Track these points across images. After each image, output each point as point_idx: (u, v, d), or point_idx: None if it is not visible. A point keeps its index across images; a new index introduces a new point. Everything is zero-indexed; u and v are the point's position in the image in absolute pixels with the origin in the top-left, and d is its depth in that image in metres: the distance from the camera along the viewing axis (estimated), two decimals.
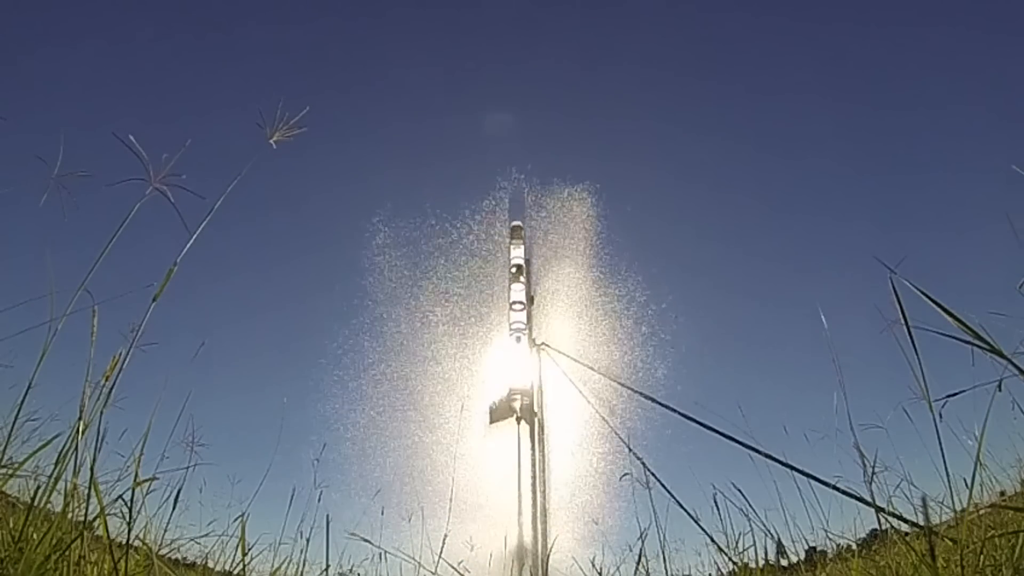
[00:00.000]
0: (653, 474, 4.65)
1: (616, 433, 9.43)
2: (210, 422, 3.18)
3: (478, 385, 10.41)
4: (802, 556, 4.25)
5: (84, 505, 2.07)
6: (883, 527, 3.13)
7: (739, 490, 3.88)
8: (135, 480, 2.22)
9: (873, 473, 2.86)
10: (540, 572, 8.07)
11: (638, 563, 3.91)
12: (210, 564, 3.59)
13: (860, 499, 3.41)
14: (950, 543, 2.31)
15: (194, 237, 2.25)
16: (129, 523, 2.23)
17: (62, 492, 2.11)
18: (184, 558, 3.57)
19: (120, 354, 2.19)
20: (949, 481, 2.30)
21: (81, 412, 2.09)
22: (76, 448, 2.07)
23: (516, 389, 9.68)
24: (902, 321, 2.13)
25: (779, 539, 3.84)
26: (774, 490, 4.01)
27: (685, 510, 4.86)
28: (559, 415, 10.43)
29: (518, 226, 10.89)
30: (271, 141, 2.41)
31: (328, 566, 3.53)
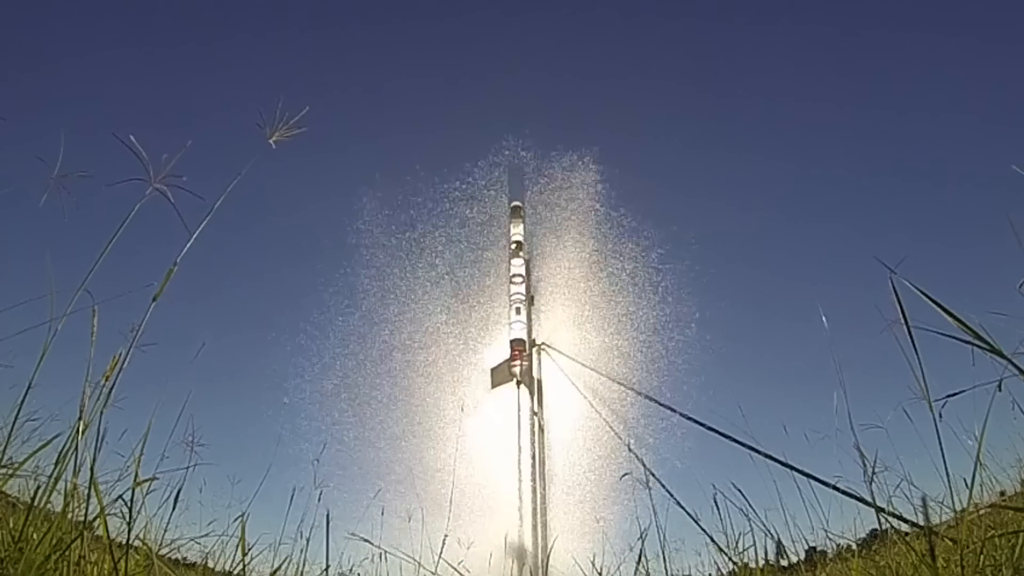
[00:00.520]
0: (653, 474, 4.65)
1: (616, 433, 9.43)
2: (210, 422, 3.18)
3: (477, 381, 10.48)
4: (802, 556, 4.25)
5: (84, 505, 2.07)
6: (883, 527, 3.13)
7: (739, 490, 3.88)
8: (135, 480, 2.22)
9: (873, 473, 2.86)
10: (540, 572, 8.07)
11: (638, 563, 3.91)
12: (210, 564, 3.59)
13: (860, 499, 3.42)
14: (950, 543, 2.31)
15: (194, 237, 2.26)
16: (129, 523, 2.23)
17: (62, 492, 2.12)
18: (184, 558, 3.57)
19: (120, 354, 2.19)
20: (949, 481, 2.30)
21: (81, 412, 2.09)
22: (76, 448, 2.07)
23: (516, 353, 9.96)
24: (902, 321, 2.13)
25: (779, 539, 3.84)
26: (774, 490, 4.02)
27: (685, 510, 4.86)
28: (559, 415, 10.43)
29: (518, 206, 11.11)
30: (270, 141, 2.42)
31: (328, 566, 3.53)
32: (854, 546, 3.86)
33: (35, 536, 2.08)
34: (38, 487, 2.12)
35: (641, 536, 4.01)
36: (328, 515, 3.60)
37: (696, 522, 4.52)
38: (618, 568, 4.66)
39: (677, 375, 10.86)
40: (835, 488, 3.74)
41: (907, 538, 2.78)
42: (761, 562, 3.66)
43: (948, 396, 2.14)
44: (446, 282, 10.89)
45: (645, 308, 11.16)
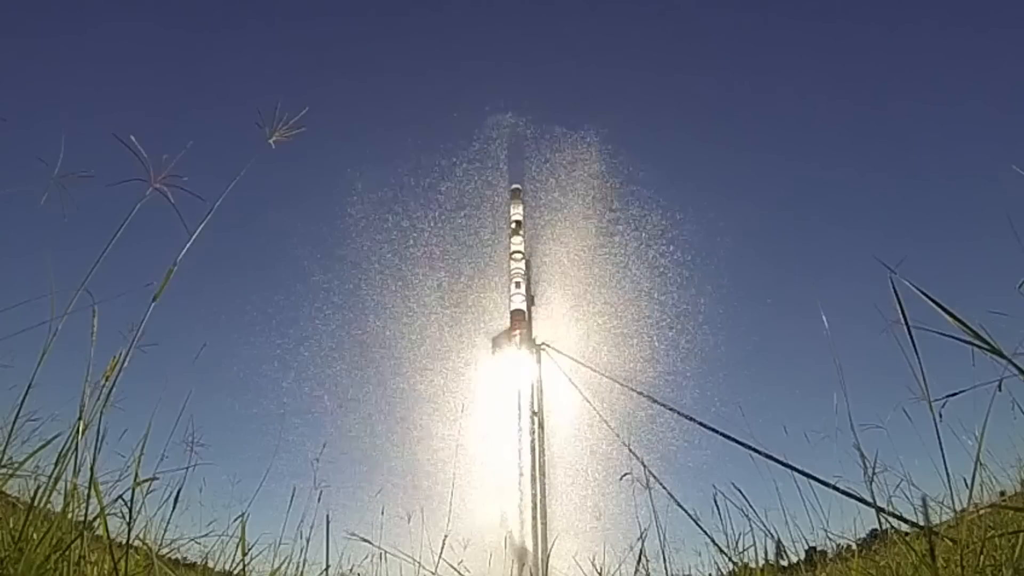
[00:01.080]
0: (653, 475, 4.65)
1: (616, 433, 9.43)
2: (210, 422, 3.18)
3: (477, 377, 10.56)
4: (802, 556, 4.25)
5: (84, 505, 2.07)
6: (883, 527, 3.13)
7: (739, 490, 3.88)
8: (135, 480, 2.22)
9: (873, 473, 2.86)
10: (540, 571, 8.07)
11: (638, 563, 3.91)
12: (210, 564, 3.59)
13: (860, 499, 3.42)
14: (950, 543, 2.30)
15: (193, 237, 2.26)
16: (129, 523, 2.23)
17: (62, 492, 2.11)
18: (184, 558, 3.57)
19: (120, 354, 2.19)
20: (949, 481, 2.30)
21: (81, 412, 2.09)
22: (76, 448, 2.07)
23: (516, 322, 10.59)
24: (902, 321, 2.13)
25: (779, 539, 3.84)
26: (774, 490, 4.02)
27: (684, 510, 4.86)
28: (560, 415, 10.43)
29: (517, 189, 11.64)
30: (270, 141, 2.42)
31: (328, 566, 3.53)
32: (854, 546, 3.86)
33: (35, 536, 2.08)
34: (38, 487, 2.12)
35: (641, 536, 4.01)
36: (328, 515, 3.60)
37: (696, 522, 4.52)
38: (618, 568, 4.66)
39: (677, 375, 10.86)
40: (835, 488, 3.74)
41: (907, 538, 2.78)
42: (761, 562, 3.66)
43: (948, 396, 2.14)
44: (443, 268, 11.16)
45: (644, 307, 11.17)
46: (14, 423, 2.12)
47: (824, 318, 2.93)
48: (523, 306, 10.78)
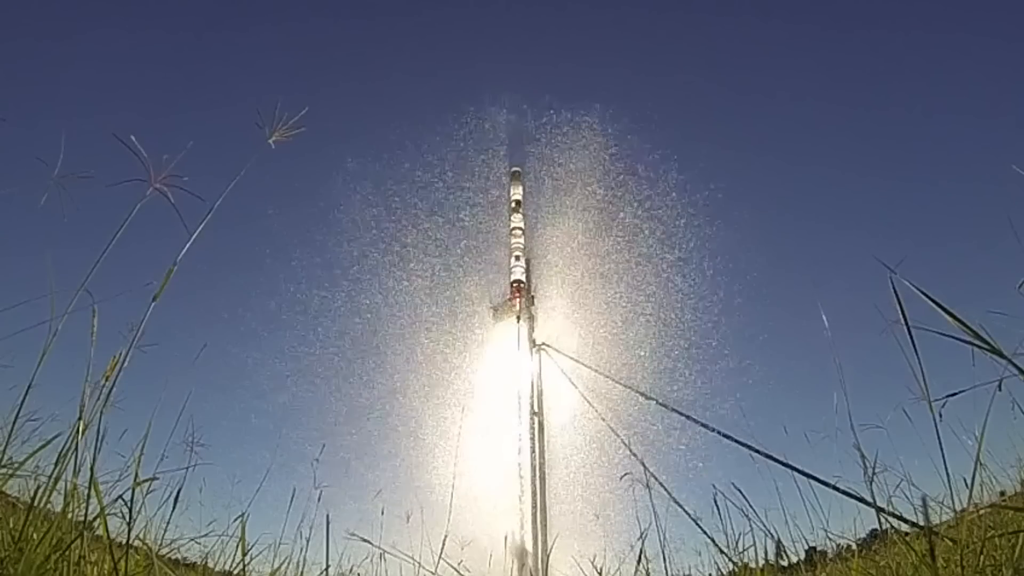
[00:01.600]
0: (653, 475, 4.65)
1: (615, 433, 9.43)
2: (210, 422, 3.18)
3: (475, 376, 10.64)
4: (802, 556, 4.24)
5: (84, 505, 2.07)
6: (883, 527, 3.13)
7: (739, 490, 3.88)
8: (135, 480, 2.21)
9: (873, 473, 2.86)
10: (540, 572, 8.08)
11: (638, 563, 3.91)
12: (210, 564, 3.59)
13: (860, 499, 3.41)
14: (950, 543, 2.30)
15: (193, 237, 2.26)
16: (129, 523, 2.23)
17: (62, 492, 2.11)
18: (184, 558, 3.57)
19: (120, 354, 2.19)
20: (949, 481, 2.30)
21: (81, 412, 2.08)
22: (76, 448, 2.07)
23: (516, 292, 11.19)
24: (902, 321, 2.12)
25: (779, 539, 3.84)
26: (774, 490, 4.02)
27: (684, 510, 4.86)
28: (560, 415, 10.43)
29: (517, 171, 12.15)
30: (270, 141, 2.42)
31: (328, 566, 3.53)
32: (854, 546, 3.85)
33: (35, 536, 2.08)
34: (38, 487, 2.12)
35: (641, 536, 4.01)
36: (328, 515, 3.60)
37: (696, 522, 4.52)
38: (618, 568, 4.66)
39: (677, 375, 10.85)
40: (835, 488, 3.73)
41: (907, 538, 2.78)
42: (761, 562, 3.66)
43: (948, 396, 2.13)
44: (440, 256, 11.42)
45: (644, 306, 11.17)
46: (14, 423, 2.12)
47: (824, 318, 2.93)
48: (523, 276, 11.38)
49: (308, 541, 3.79)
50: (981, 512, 2.60)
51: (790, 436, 4.44)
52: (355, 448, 10.45)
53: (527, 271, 11.60)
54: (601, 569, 4.57)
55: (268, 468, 4.03)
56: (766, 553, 3.71)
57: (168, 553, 3.32)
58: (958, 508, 2.36)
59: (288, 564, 3.73)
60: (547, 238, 11.73)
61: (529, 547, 9.11)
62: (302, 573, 3.86)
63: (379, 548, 4.14)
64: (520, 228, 11.88)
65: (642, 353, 10.87)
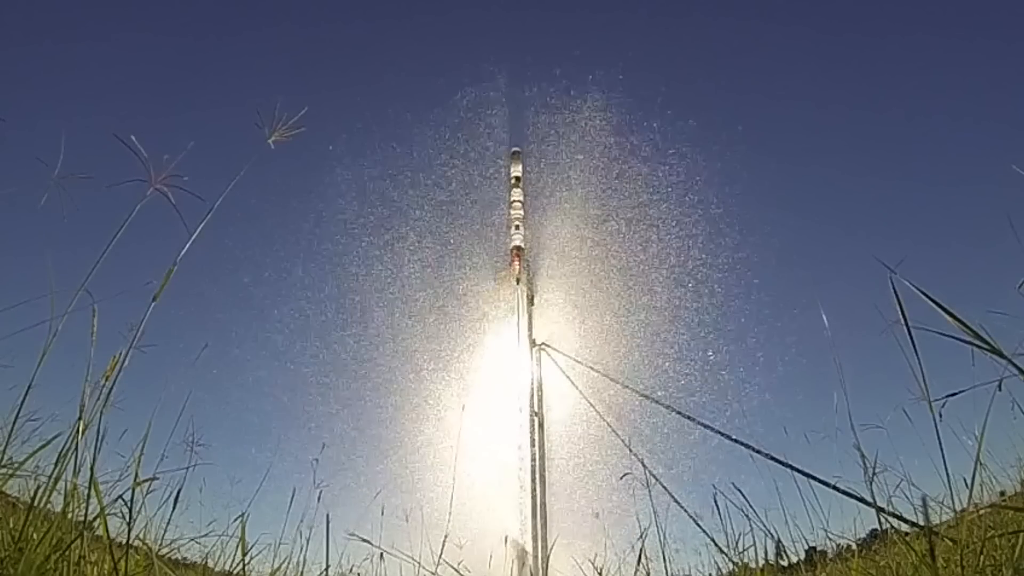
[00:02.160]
0: (653, 475, 4.65)
1: (616, 433, 9.43)
2: (210, 422, 3.18)
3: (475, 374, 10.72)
4: (802, 556, 4.24)
5: (84, 505, 2.07)
6: (883, 527, 3.13)
7: (739, 490, 3.88)
8: (135, 480, 2.22)
9: (873, 473, 2.86)
10: (540, 572, 8.08)
11: (638, 563, 3.91)
12: (210, 564, 3.59)
13: (860, 499, 3.41)
14: (950, 543, 2.30)
15: (193, 237, 2.26)
16: (129, 523, 2.23)
17: (62, 492, 2.11)
18: (184, 558, 3.57)
19: (120, 354, 2.19)
20: (949, 481, 2.30)
21: (81, 412, 2.08)
22: (76, 448, 2.07)
23: (515, 257, 11.76)
24: (902, 321, 2.12)
25: (779, 539, 3.84)
26: (774, 490, 4.02)
27: (685, 510, 4.86)
28: (560, 414, 10.44)
29: (517, 151, 12.56)
30: (269, 142, 2.42)
31: (328, 566, 3.53)
32: (854, 546, 3.86)
33: (35, 536, 2.08)
34: (38, 487, 2.12)
35: (641, 536, 4.02)
36: (328, 515, 3.60)
37: (696, 522, 4.52)
38: (618, 568, 4.66)
39: (678, 376, 10.86)
40: (835, 488, 3.73)
41: (907, 538, 2.78)
42: (761, 562, 3.66)
43: (948, 396, 2.13)
44: (436, 247, 11.66)
45: (643, 305, 11.18)
46: (14, 423, 2.13)
47: (824, 318, 2.93)
48: (521, 243, 11.94)
49: (308, 541, 3.80)
50: (981, 512, 2.60)
51: (790, 436, 4.44)
52: (355, 448, 10.46)
53: (528, 271, 11.62)
54: (601, 569, 4.57)
55: (268, 468, 4.04)
56: (766, 553, 3.72)
57: (168, 553, 3.32)
58: (958, 508, 2.36)
59: (288, 564, 3.73)
60: (547, 237, 11.78)
61: (529, 547, 9.11)
62: (302, 573, 3.86)
63: (379, 548, 4.14)
64: (520, 201, 12.37)
65: (642, 352, 10.89)
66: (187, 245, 2.26)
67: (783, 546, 3.94)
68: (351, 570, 4.60)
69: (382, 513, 4.88)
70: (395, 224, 11.98)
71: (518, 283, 11.53)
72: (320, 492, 4.02)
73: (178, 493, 2.90)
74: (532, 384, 10.55)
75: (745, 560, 3.69)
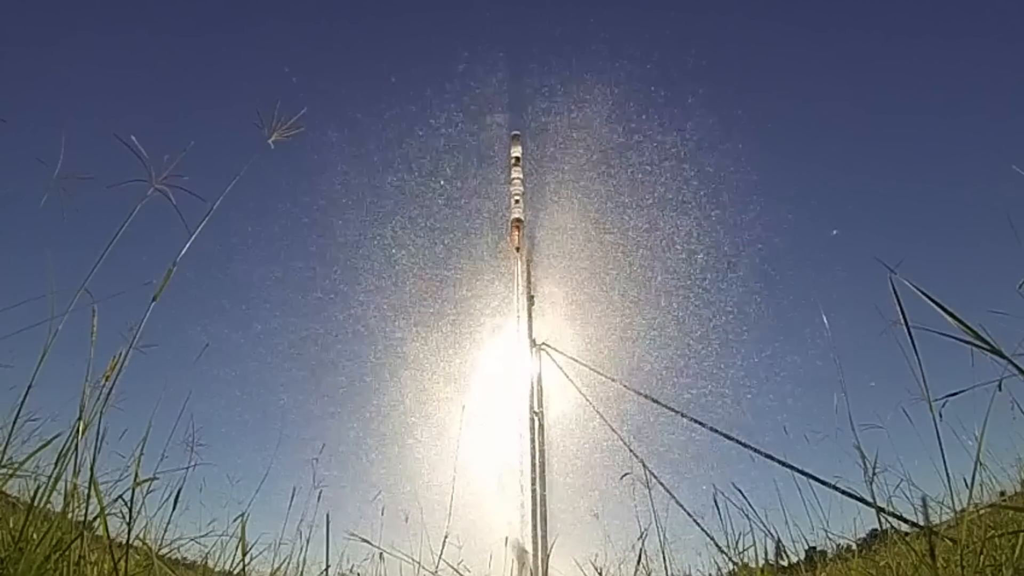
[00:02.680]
0: (654, 475, 4.65)
1: (616, 433, 9.43)
2: (210, 422, 3.18)
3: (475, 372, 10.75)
4: (802, 556, 4.24)
5: (84, 505, 2.07)
6: (883, 527, 3.13)
7: (739, 490, 3.88)
8: (135, 480, 2.22)
9: (873, 473, 2.86)
10: (540, 572, 8.08)
11: (638, 563, 3.91)
12: (210, 564, 3.59)
13: (860, 499, 3.41)
14: (950, 543, 2.30)
15: (193, 236, 2.26)
16: (129, 523, 2.23)
17: (62, 492, 2.11)
18: (184, 558, 3.57)
19: (120, 354, 2.19)
20: (949, 481, 2.30)
21: (81, 412, 2.09)
22: (76, 448, 2.07)
23: (515, 227, 11.78)
24: (902, 321, 2.12)
25: (779, 539, 3.84)
26: (774, 490, 4.02)
27: (685, 510, 4.86)
28: (560, 414, 10.44)
29: (517, 134, 12.65)
30: (269, 142, 2.42)
31: (328, 566, 3.53)
32: (854, 546, 3.86)
33: (35, 536, 2.08)
34: (38, 487, 2.11)
35: (641, 536, 4.02)
36: (328, 515, 3.60)
37: (696, 522, 4.52)
38: (618, 568, 4.66)
39: (678, 376, 10.86)
40: (835, 488, 3.73)
41: (907, 538, 2.78)
42: (761, 562, 3.66)
43: (948, 396, 2.14)
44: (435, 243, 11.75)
45: (643, 304, 11.19)
46: (14, 423, 2.12)
47: (824, 318, 2.93)
48: (521, 215, 12.05)
49: (308, 541, 3.80)
50: (981, 512, 2.60)
51: (790, 436, 4.45)
52: (354, 447, 10.46)
53: (527, 271, 11.63)
54: (601, 569, 4.57)
55: (268, 468, 4.03)
56: (766, 553, 3.72)
57: (168, 553, 3.32)
58: (958, 508, 2.36)
59: (288, 564, 3.73)
60: (547, 237, 11.82)
61: (529, 547, 9.12)
62: (302, 573, 3.86)
63: (379, 548, 4.15)
64: (519, 178, 12.46)
65: (642, 352, 10.89)
66: (187, 245, 2.26)
67: (783, 546, 3.95)
68: (351, 570, 4.60)
69: (382, 513, 4.89)
70: (394, 224, 12.03)
71: (518, 251, 11.71)
72: (320, 492, 4.02)
73: (178, 493, 2.90)
74: (532, 383, 10.56)
75: (745, 560, 3.69)
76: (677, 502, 4.75)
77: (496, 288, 11.82)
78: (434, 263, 11.83)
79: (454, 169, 12.30)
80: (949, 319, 1.91)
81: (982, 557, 2.20)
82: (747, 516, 3.73)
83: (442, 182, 12.28)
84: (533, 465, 10.10)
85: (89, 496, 2.06)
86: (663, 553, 3.94)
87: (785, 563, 4.12)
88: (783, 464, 4.23)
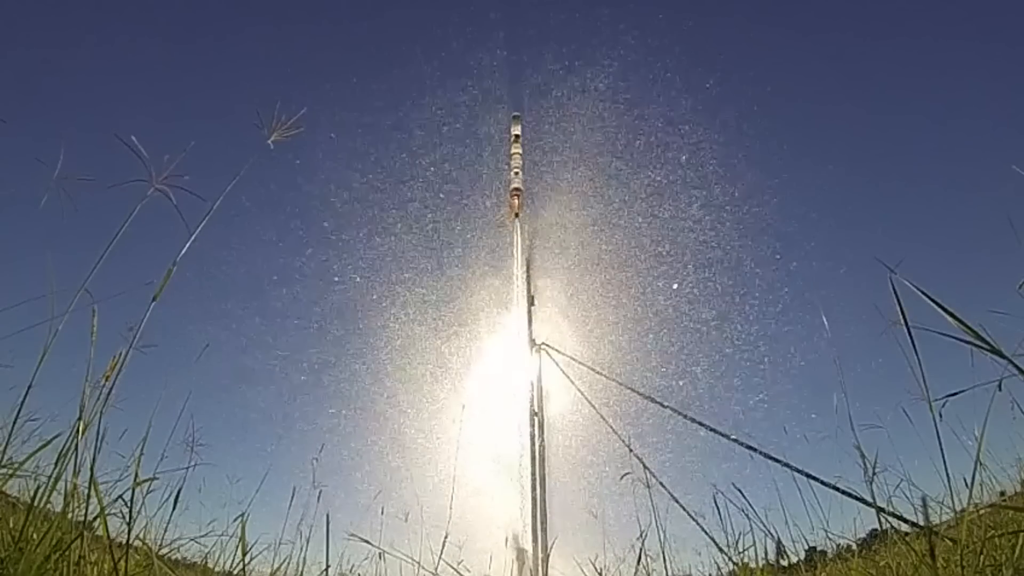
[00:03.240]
0: (654, 475, 4.65)
1: (616, 433, 9.43)
2: (210, 422, 3.18)
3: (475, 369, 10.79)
4: (802, 556, 4.24)
5: (84, 505, 2.07)
6: (883, 527, 3.13)
7: (739, 490, 3.88)
8: (135, 480, 2.22)
9: (873, 473, 2.86)
10: (540, 572, 8.08)
11: (638, 562, 3.91)
12: (210, 564, 3.59)
13: (860, 499, 3.42)
14: (950, 543, 2.30)
15: (193, 236, 2.26)
16: (129, 523, 2.23)
17: (62, 492, 2.11)
18: (184, 558, 3.57)
19: (120, 354, 2.19)
20: (949, 481, 2.30)
21: (81, 412, 2.09)
22: (76, 448, 2.07)
23: (514, 196, 12.61)
24: (902, 321, 2.12)
25: (779, 539, 3.84)
26: (774, 490, 4.02)
27: (685, 510, 4.86)
28: (560, 414, 10.44)
29: (517, 116, 13.54)
30: (269, 142, 2.42)
31: (328, 566, 3.53)
32: (854, 546, 3.85)
33: (35, 536, 2.08)
34: (38, 487, 2.12)
35: (641, 536, 4.02)
36: (328, 515, 3.60)
37: (696, 522, 4.52)
38: (618, 568, 4.66)
39: (678, 375, 10.86)
40: (835, 488, 3.74)
41: (907, 538, 2.78)
42: (761, 562, 3.66)
43: (948, 396, 2.14)
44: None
45: (642, 304, 11.19)
46: (14, 423, 2.12)
47: (824, 318, 2.93)
48: (520, 185, 12.87)
49: (308, 541, 3.80)
50: (981, 512, 2.60)
51: (790, 436, 4.45)
52: (354, 447, 10.46)
53: (527, 272, 11.64)
54: (601, 569, 4.57)
55: (268, 468, 4.04)
56: (766, 553, 3.72)
57: (168, 553, 3.32)
58: (958, 508, 2.36)
59: (288, 564, 3.73)
60: (547, 235, 11.85)
61: (529, 547, 9.12)
62: (302, 573, 3.86)
63: (379, 548, 4.14)
64: (519, 153, 13.28)
65: (641, 351, 10.90)
66: (187, 245, 2.26)
67: (783, 546, 3.95)
68: (351, 570, 4.60)
69: (382, 513, 4.88)
70: (393, 221, 12.07)
71: (516, 217, 12.29)
72: (320, 492, 4.02)
73: (178, 493, 2.90)
74: (532, 383, 10.55)
75: (745, 560, 3.69)
76: (677, 502, 4.76)
77: (495, 284, 11.84)
78: (434, 262, 11.86)
79: (457, 176, 12.46)
80: (949, 319, 1.91)
81: (982, 557, 2.20)
82: (747, 516, 3.73)
83: (444, 159, 12.66)
84: (533, 465, 10.11)
85: (89, 496, 2.06)
86: (663, 553, 3.94)
87: (785, 563, 4.12)
88: (783, 464, 4.23)
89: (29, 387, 2.11)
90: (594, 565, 4.59)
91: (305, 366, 11.47)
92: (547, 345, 10.64)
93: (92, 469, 2.06)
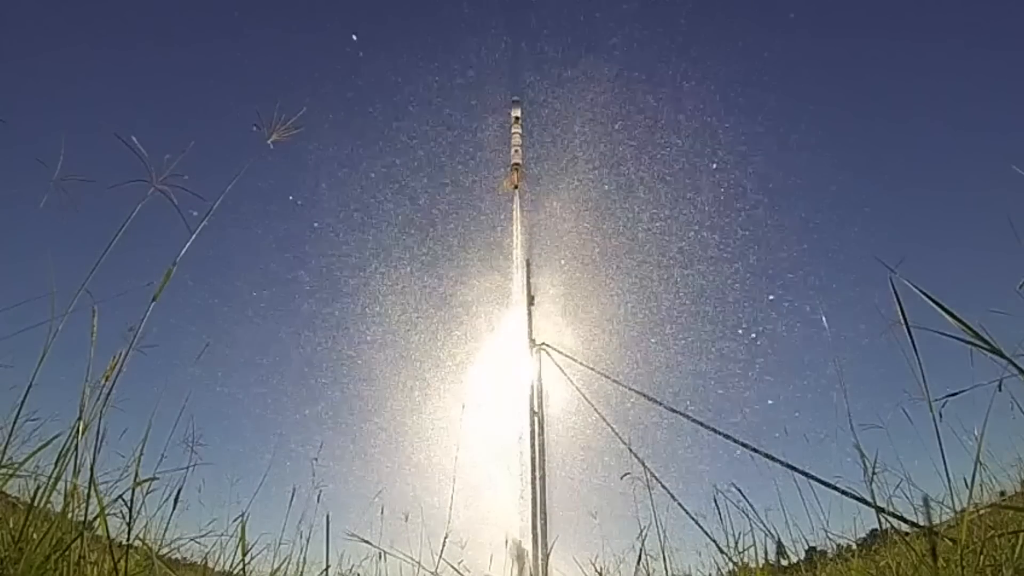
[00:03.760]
0: (654, 475, 4.65)
1: (616, 433, 9.43)
2: (210, 422, 3.18)
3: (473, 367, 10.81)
4: (802, 556, 4.24)
5: (84, 505, 2.07)
6: (883, 527, 3.13)
7: (739, 490, 3.88)
8: (135, 480, 2.21)
9: (873, 473, 2.86)
10: (540, 572, 8.07)
11: (638, 562, 3.91)
12: (210, 564, 3.59)
13: (860, 499, 3.42)
14: (950, 543, 2.30)
15: (193, 236, 2.26)
16: (129, 523, 2.23)
17: (62, 492, 2.11)
18: (184, 558, 3.57)
19: (120, 354, 2.19)
20: (949, 481, 2.30)
21: (81, 412, 2.08)
22: (76, 448, 2.07)
23: (514, 169, 13.08)
24: (902, 321, 2.12)
25: (779, 539, 3.84)
26: (774, 490, 4.02)
27: (685, 510, 4.86)
28: (560, 415, 10.44)
29: (517, 100, 14.05)
30: (269, 142, 2.42)
31: (328, 566, 3.52)
32: (854, 546, 3.85)
33: (35, 536, 2.08)
34: (38, 487, 2.12)
35: (641, 536, 4.02)
36: (328, 515, 3.60)
37: (696, 522, 4.52)
38: (618, 568, 4.66)
39: (678, 376, 10.85)
40: (835, 488, 3.74)
41: (907, 538, 2.78)
42: (761, 562, 3.66)
43: (948, 396, 2.13)
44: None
45: (642, 304, 11.18)
46: (14, 423, 2.12)
47: (824, 318, 2.93)
48: (520, 161, 13.38)
49: (308, 541, 3.80)
50: (981, 512, 2.60)
51: (790, 436, 4.45)
52: (354, 447, 10.47)
53: (527, 272, 11.64)
54: (601, 569, 4.57)
55: (267, 468, 4.04)
56: (766, 553, 3.72)
57: (168, 553, 3.32)
58: (958, 508, 2.36)
59: (288, 564, 3.73)
60: (547, 235, 11.87)
61: (529, 547, 9.12)
62: (302, 573, 3.86)
63: (379, 548, 4.14)
64: (519, 133, 13.82)
65: (642, 351, 10.91)
66: (187, 245, 2.26)
67: (783, 546, 3.94)
68: (351, 570, 4.59)
69: (382, 513, 4.88)
70: (392, 222, 12.09)
71: (515, 188, 12.75)
72: (320, 492, 4.02)
73: (178, 493, 2.90)
74: (532, 384, 10.55)
75: (745, 560, 3.69)
76: (677, 502, 4.75)
77: (496, 282, 11.85)
78: (435, 264, 11.87)
79: (457, 172, 12.55)
80: (949, 319, 1.91)
81: (982, 557, 2.20)
82: (747, 516, 3.73)
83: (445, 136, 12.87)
84: (533, 465, 10.11)
85: (89, 496, 2.06)
86: (663, 553, 3.94)
87: (785, 563, 4.11)
88: (783, 464, 4.23)
89: (29, 387, 2.11)
90: (594, 565, 4.59)
91: (305, 366, 11.47)
92: (547, 345, 10.64)
93: (92, 469, 2.06)
